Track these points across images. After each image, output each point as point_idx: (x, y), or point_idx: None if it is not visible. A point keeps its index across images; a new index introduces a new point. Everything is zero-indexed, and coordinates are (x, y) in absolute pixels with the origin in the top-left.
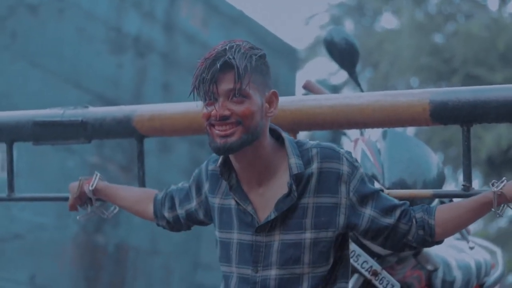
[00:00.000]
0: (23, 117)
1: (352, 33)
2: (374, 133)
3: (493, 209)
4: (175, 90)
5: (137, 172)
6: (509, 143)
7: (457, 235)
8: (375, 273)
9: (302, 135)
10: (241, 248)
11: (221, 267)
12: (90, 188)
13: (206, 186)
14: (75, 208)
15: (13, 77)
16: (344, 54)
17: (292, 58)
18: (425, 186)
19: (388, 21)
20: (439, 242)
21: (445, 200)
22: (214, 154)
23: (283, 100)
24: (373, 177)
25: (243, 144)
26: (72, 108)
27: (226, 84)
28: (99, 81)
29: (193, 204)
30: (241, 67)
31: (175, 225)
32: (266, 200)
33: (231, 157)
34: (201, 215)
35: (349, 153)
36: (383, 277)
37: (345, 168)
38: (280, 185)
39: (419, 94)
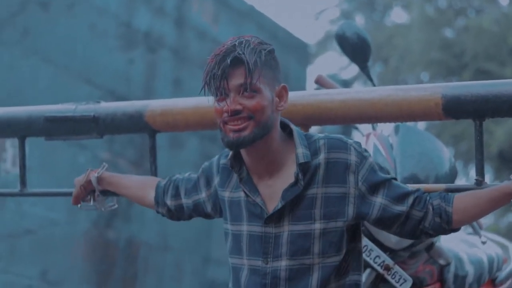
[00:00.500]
0: (35, 113)
1: (363, 28)
2: (386, 128)
3: None
4: (186, 86)
5: (147, 168)
6: None
7: (469, 229)
8: (387, 268)
9: (314, 130)
10: (251, 239)
11: (231, 259)
12: (96, 175)
13: (216, 180)
14: (78, 201)
15: (24, 73)
16: (356, 49)
17: (303, 53)
18: (437, 180)
19: (398, 15)
20: (456, 230)
21: None
22: (226, 150)
23: (294, 95)
24: None
25: (255, 138)
26: (84, 104)
27: (237, 79)
28: (110, 77)
29: (202, 195)
30: (251, 62)
31: (176, 213)
32: (275, 191)
33: (242, 150)
34: (208, 208)
35: (357, 143)
36: (395, 272)
37: (353, 158)
38: (288, 176)
39: (431, 89)
